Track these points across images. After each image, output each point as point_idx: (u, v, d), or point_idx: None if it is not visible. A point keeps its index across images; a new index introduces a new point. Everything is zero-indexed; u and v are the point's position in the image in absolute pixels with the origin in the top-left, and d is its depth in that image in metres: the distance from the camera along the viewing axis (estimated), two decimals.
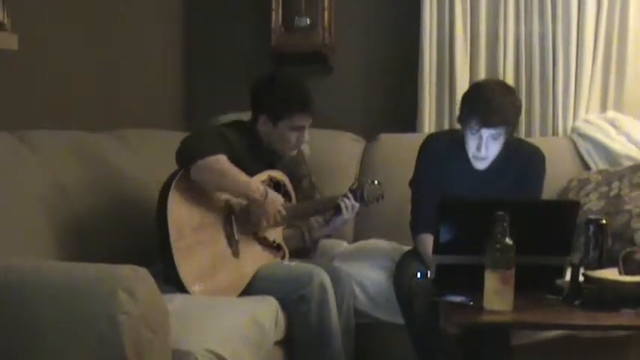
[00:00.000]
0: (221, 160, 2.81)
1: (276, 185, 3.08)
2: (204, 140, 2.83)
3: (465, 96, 3.01)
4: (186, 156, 2.79)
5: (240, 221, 2.94)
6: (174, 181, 2.77)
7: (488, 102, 2.85)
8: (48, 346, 1.95)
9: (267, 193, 2.90)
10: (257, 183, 2.93)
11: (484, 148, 2.90)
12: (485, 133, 2.87)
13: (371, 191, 3.09)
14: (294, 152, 3.16)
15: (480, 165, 2.97)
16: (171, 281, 2.66)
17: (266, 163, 3.09)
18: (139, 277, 2.00)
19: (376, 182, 3.11)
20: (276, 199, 2.96)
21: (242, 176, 2.87)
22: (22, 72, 2.97)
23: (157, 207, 2.77)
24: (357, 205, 3.09)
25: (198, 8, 4.45)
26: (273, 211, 2.93)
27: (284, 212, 2.97)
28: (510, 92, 2.97)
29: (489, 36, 4.09)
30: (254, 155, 3.02)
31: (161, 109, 4.16)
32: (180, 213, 2.76)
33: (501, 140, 2.91)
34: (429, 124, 4.09)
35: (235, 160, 2.88)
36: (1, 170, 2.57)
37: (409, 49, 4.15)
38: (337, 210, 3.09)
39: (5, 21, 2.75)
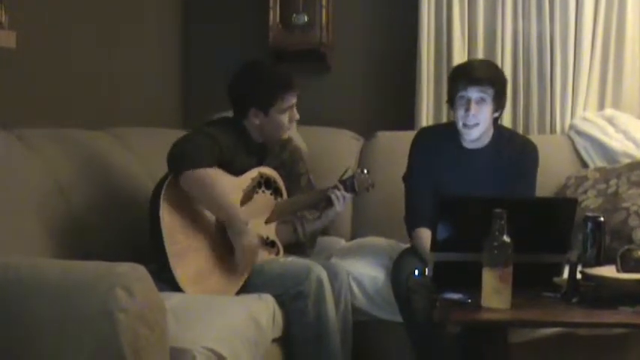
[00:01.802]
0: (210, 176, 2.79)
1: (267, 181, 3.07)
2: (195, 148, 2.80)
3: (451, 71, 3.17)
4: (177, 163, 2.78)
5: None
6: (164, 186, 2.77)
7: (472, 63, 3.12)
8: (45, 344, 1.95)
9: (247, 224, 2.85)
10: (241, 212, 2.87)
11: (472, 110, 2.92)
12: (473, 93, 2.92)
13: (360, 181, 3.08)
14: (287, 135, 3.14)
15: (470, 135, 2.98)
16: (168, 284, 2.66)
17: (257, 158, 3.09)
18: (136, 275, 2.00)
19: (365, 171, 3.11)
20: (254, 237, 2.86)
21: (228, 199, 2.84)
22: (19, 70, 2.96)
23: (149, 213, 2.78)
24: (347, 195, 3.08)
25: (197, 6, 4.45)
26: (251, 246, 2.82)
27: (256, 260, 2.89)
28: (497, 67, 3.17)
29: (487, 34, 4.08)
30: (244, 152, 3.02)
31: (160, 108, 4.15)
32: (172, 217, 2.76)
33: (488, 106, 2.95)
34: (426, 121, 4.08)
35: (226, 161, 2.88)
36: (0, 169, 2.57)
37: (407, 47, 4.15)
38: (328, 202, 3.08)
39: (3, 19, 2.74)
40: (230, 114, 3.13)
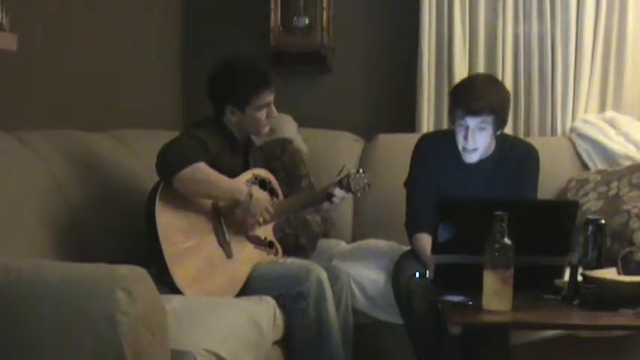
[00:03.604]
0: (201, 168, 2.79)
1: (262, 183, 3.07)
2: (181, 149, 2.80)
3: (451, 89, 3.07)
4: (166, 168, 2.77)
5: (229, 222, 2.93)
6: (159, 190, 2.77)
7: (472, 90, 2.90)
8: (46, 346, 1.95)
9: (251, 194, 2.89)
10: (240, 184, 2.91)
11: (471, 138, 2.91)
12: (472, 122, 2.88)
13: (356, 180, 3.06)
14: (267, 129, 3.11)
15: (470, 158, 2.97)
16: (168, 287, 2.66)
17: (243, 157, 3.09)
18: (137, 277, 2.00)
19: (361, 171, 3.10)
20: (261, 197, 2.96)
21: (224, 181, 2.86)
22: (20, 72, 2.97)
23: (145, 215, 2.77)
24: (346, 195, 3.07)
25: (197, 8, 4.45)
26: (260, 210, 2.93)
27: (271, 209, 2.97)
28: (495, 83, 3.02)
29: (488, 36, 4.09)
30: (230, 150, 3.02)
31: (160, 109, 4.15)
32: (169, 220, 2.76)
33: (489, 131, 2.92)
34: (427, 124, 4.09)
35: (213, 162, 2.87)
36: (0, 170, 2.57)
37: (408, 49, 4.16)
38: (328, 199, 3.07)
39: (4, 21, 2.74)
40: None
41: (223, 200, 2.91)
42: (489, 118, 2.89)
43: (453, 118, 2.97)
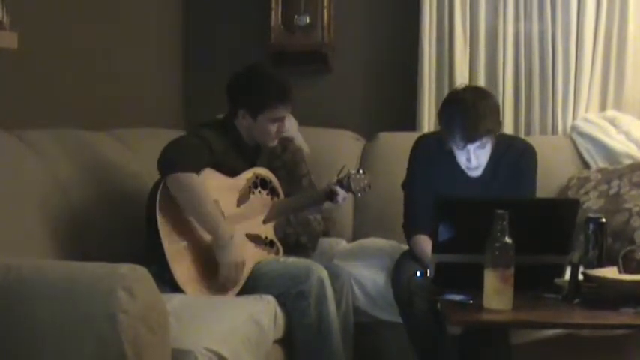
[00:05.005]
0: (196, 183, 2.76)
1: (263, 182, 3.08)
2: (181, 151, 2.80)
3: (442, 114, 2.96)
4: (166, 165, 2.77)
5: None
6: (160, 187, 2.77)
7: (466, 118, 2.80)
8: (47, 346, 1.95)
9: (232, 237, 2.79)
10: (229, 226, 2.82)
11: (474, 159, 2.89)
12: (472, 146, 2.86)
13: (356, 181, 3.06)
14: (275, 143, 3.12)
15: (475, 173, 2.96)
16: (169, 285, 2.66)
17: (248, 158, 3.09)
18: (138, 276, 2.00)
19: (361, 172, 3.10)
20: (239, 252, 2.82)
21: (213, 210, 2.79)
22: (21, 71, 2.97)
23: (146, 213, 2.78)
24: (347, 195, 3.07)
25: (198, 7, 4.45)
26: (235, 261, 2.79)
27: (240, 275, 2.83)
28: (485, 96, 2.92)
29: (489, 35, 4.09)
30: (236, 153, 3.02)
31: (160, 109, 4.15)
32: (169, 217, 2.76)
33: (489, 146, 2.90)
34: (428, 122, 4.09)
35: (217, 163, 2.88)
36: (0, 169, 2.57)
37: (409, 47, 4.15)
38: (328, 198, 3.07)
39: (5, 20, 2.74)
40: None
41: (203, 227, 2.81)
42: (489, 137, 2.87)
43: (449, 142, 2.89)
